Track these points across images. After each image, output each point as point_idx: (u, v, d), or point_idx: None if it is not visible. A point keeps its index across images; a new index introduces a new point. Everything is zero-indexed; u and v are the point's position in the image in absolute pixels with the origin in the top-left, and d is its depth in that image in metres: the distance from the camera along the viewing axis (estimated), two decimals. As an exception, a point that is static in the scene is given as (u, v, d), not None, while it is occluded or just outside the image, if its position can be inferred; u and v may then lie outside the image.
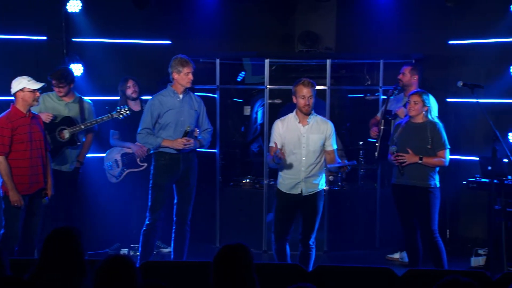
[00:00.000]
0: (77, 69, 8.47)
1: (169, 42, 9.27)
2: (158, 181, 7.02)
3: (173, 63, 6.99)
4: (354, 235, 8.82)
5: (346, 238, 8.80)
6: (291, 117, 6.67)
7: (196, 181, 7.18)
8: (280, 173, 6.72)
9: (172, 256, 7.19)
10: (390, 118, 7.84)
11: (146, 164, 8.05)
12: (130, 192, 8.14)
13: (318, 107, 8.93)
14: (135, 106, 8.16)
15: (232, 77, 9.92)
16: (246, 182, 9.07)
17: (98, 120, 7.70)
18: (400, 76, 8.02)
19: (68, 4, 8.42)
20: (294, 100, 6.62)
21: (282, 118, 6.76)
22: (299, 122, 6.61)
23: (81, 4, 8.47)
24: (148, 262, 5.54)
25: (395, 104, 8.01)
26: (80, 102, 7.79)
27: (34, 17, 8.53)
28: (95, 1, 8.79)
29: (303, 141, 6.58)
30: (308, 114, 6.59)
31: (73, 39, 8.71)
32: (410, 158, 6.83)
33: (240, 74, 10.00)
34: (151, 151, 7.18)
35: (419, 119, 6.94)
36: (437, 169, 6.91)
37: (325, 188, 8.55)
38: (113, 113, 7.70)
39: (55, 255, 4.08)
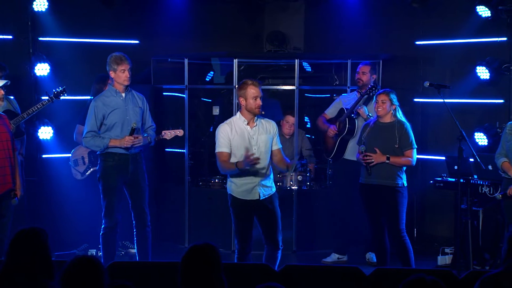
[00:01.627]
0: (43, 68, 8.39)
1: (137, 41, 9.22)
2: (108, 183, 6.88)
3: (109, 62, 6.85)
4: (322, 234, 8.85)
5: (314, 238, 8.83)
6: (237, 120, 6.37)
7: (146, 181, 7.04)
8: (232, 179, 6.41)
9: (137, 259, 7.13)
10: (354, 117, 7.86)
11: None
12: (97, 192, 8.08)
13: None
14: None
15: (201, 77, 9.90)
16: (215, 182, 9.05)
17: (39, 106, 7.48)
18: (360, 76, 8.03)
19: (34, 3, 8.32)
20: (242, 102, 6.30)
21: (227, 121, 6.43)
22: (247, 124, 6.35)
23: (47, 3, 8.37)
24: (115, 262, 5.50)
25: (348, 102, 8.05)
26: (7, 98, 7.61)
27: (0, 16, 8.43)
28: (62, 0, 8.71)
29: (254, 143, 6.33)
30: (258, 114, 6.36)
31: (40, 38, 8.62)
32: (377, 157, 6.87)
33: (209, 74, 10.00)
34: (97, 153, 7.01)
35: (387, 119, 6.98)
36: (404, 168, 6.95)
37: (294, 187, 8.65)
38: (51, 96, 7.53)
39: (21, 256, 4.04)
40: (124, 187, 6.96)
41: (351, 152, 7.87)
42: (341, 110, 8.07)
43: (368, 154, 6.88)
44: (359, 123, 7.74)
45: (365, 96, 7.87)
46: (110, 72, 6.87)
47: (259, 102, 6.30)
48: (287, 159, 6.52)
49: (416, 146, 6.94)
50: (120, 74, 6.83)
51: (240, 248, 6.44)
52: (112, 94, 6.91)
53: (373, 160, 6.86)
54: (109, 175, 6.89)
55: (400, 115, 6.98)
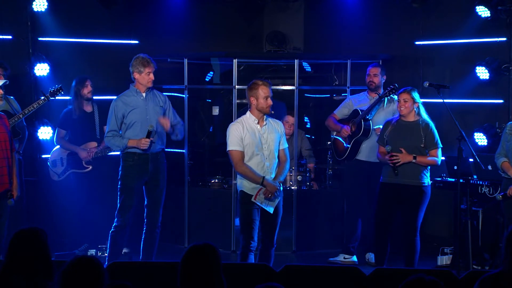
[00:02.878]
0: (43, 68, 8.39)
1: (137, 41, 9.23)
2: (127, 183, 6.94)
3: (134, 63, 6.94)
4: (322, 234, 8.85)
5: (314, 238, 8.83)
6: (248, 119, 6.55)
7: (165, 182, 7.12)
8: (243, 176, 6.56)
9: (140, 257, 7.14)
10: (370, 119, 7.81)
11: (91, 167, 8.02)
12: (97, 192, 8.08)
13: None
14: (88, 107, 8.11)
15: (201, 77, 9.90)
16: (214, 182, 9.04)
17: (35, 105, 7.52)
18: (372, 78, 7.97)
19: (34, 3, 8.33)
20: (253, 102, 6.49)
21: (238, 120, 6.63)
22: (257, 123, 6.53)
23: (47, 3, 8.37)
24: (115, 262, 5.50)
25: (358, 103, 8.03)
26: (6, 98, 7.63)
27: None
28: (62, 0, 8.72)
29: (264, 141, 6.53)
30: (267, 114, 6.56)
31: (39, 39, 8.63)
32: (404, 157, 6.81)
33: (209, 74, 10.00)
34: (120, 153, 7.09)
35: (411, 118, 6.94)
36: (429, 167, 6.94)
37: (293, 187, 8.65)
38: (47, 95, 7.57)
39: (21, 256, 4.04)
40: (144, 186, 7.03)
41: (363, 153, 7.87)
42: (355, 111, 8.01)
43: (395, 154, 6.83)
44: (374, 125, 7.74)
45: (384, 98, 7.81)
46: (134, 74, 6.94)
47: (269, 101, 6.49)
48: (287, 166, 6.64)
49: (441, 146, 6.90)
50: (145, 76, 6.92)
51: (245, 243, 6.52)
52: (132, 94, 6.98)
53: (399, 160, 6.82)
54: (128, 175, 6.95)
55: (423, 113, 6.95)
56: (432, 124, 6.91)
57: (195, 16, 9.77)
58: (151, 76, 6.94)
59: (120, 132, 6.95)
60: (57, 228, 8.06)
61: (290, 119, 8.93)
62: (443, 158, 8.01)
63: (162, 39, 9.47)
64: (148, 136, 6.84)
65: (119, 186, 7.00)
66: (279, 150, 6.62)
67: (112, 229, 6.99)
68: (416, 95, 6.90)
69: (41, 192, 8.43)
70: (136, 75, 6.94)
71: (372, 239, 7.42)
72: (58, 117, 8.42)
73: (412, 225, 6.90)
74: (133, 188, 6.95)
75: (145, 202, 7.09)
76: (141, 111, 6.94)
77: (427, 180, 6.89)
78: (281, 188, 6.59)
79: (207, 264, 3.78)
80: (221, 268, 3.84)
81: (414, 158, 6.80)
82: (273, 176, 6.54)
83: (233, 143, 6.51)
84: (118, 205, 6.98)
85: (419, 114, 6.92)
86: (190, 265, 3.79)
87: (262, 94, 6.47)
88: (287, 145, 6.70)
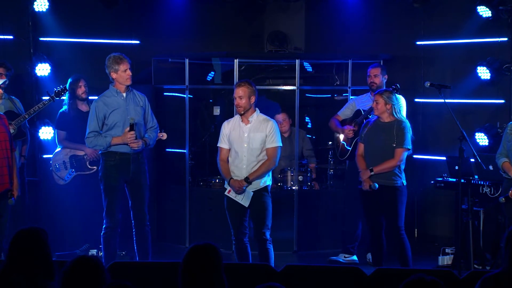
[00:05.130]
0: (44, 68, 8.40)
1: (138, 41, 9.23)
2: (109, 183, 6.90)
3: (108, 63, 6.87)
4: (323, 234, 8.85)
5: (315, 238, 8.83)
6: (236, 117, 6.82)
7: (147, 181, 7.06)
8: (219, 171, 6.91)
9: (137, 258, 7.11)
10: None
11: (96, 168, 7.96)
12: (98, 192, 8.06)
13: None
14: (83, 106, 8.10)
15: (202, 77, 9.91)
16: (215, 182, 9.02)
17: (40, 106, 7.51)
18: (372, 79, 7.95)
19: (35, 3, 8.33)
20: None
21: (230, 119, 6.93)
22: (242, 121, 6.74)
23: (48, 3, 8.38)
24: (116, 262, 5.50)
25: (362, 104, 8.03)
26: (10, 98, 7.63)
27: (0, 16, 8.44)
28: (63, 0, 8.72)
29: (245, 139, 6.67)
30: (240, 114, 6.70)
31: (40, 39, 8.64)
32: (364, 177, 6.95)
33: (210, 74, 10.00)
34: (99, 152, 7.01)
35: (387, 119, 6.99)
36: (403, 167, 6.97)
37: (294, 187, 8.64)
38: (52, 95, 7.56)
39: (21, 256, 4.04)
40: (125, 186, 6.98)
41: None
42: (358, 111, 8.01)
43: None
44: None
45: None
46: (111, 74, 6.88)
47: (236, 102, 6.69)
48: (266, 167, 6.67)
49: (408, 147, 6.92)
50: (123, 74, 6.87)
51: (234, 238, 6.83)
52: (113, 94, 6.93)
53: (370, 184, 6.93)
54: (110, 175, 6.90)
55: (399, 114, 6.97)
56: (406, 124, 6.96)
57: (196, 16, 9.77)
58: (128, 72, 6.88)
59: (101, 132, 6.89)
60: (58, 228, 8.07)
61: (278, 117, 8.92)
62: (444, 158, 8.04)
63: (163, 39, 9.48)
64: (131, 129, 6.80)
65: (102, 187, 6.96)
66: (266, 149, 6.69)
67: (103, 231, 6.96)
68: (389, 96, 6.95)
69: (43, 192, 8.43)
70: (114, 75, 6.88)
71: (368, 240, 7.44)
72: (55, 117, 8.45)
73: (394, 224, 6.96)
74: (116, 187, 6.91)
75: (130, 204, 7.04)
76: (123, 112, 6.88)
77: (400, 181, 6.95)
78: (246, 187, 6.65)
79: (208, 264, 3.78)
80: (222, 268, 3.84)
81: (371, 170, 6.92)
82: (249, 172, 6.64)
83: (219, 140, 6.88)
84: (105, 207, 6.93)
85: (393, 115, 6.96)
86: (191, 265, 3.78)
87: (234, 95, 6.71)
88: (275, 145, 6.70)
